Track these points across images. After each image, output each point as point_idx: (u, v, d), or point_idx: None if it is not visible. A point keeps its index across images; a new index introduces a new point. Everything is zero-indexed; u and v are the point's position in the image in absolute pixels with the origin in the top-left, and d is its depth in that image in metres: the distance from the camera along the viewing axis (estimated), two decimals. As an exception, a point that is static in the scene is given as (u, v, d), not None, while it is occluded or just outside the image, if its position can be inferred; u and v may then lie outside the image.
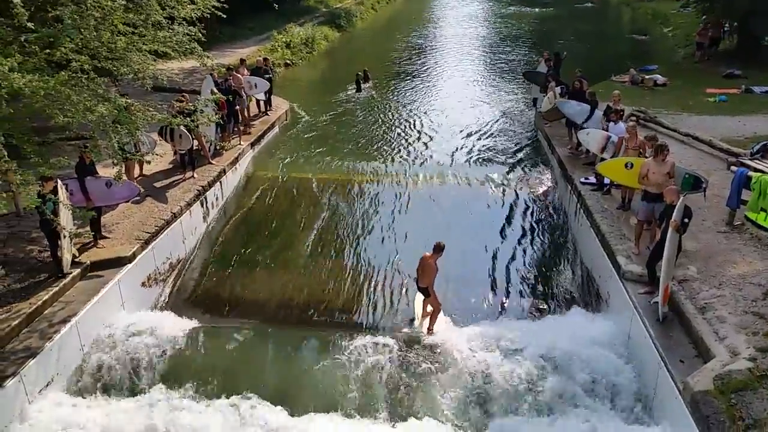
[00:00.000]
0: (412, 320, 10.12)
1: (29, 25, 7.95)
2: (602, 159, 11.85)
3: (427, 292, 9.51)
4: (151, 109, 9.56)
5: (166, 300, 10.80)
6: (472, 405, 8.22)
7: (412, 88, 24.01)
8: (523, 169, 15.42)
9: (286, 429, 7.87)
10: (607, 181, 11.78)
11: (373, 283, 11.23)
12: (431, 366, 8.57)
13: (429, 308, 9.78)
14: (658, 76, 20.99)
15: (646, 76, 20.95)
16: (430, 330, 9.49)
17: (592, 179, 12.28)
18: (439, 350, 8.80)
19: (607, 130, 12.37)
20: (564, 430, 7.72)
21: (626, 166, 10.67)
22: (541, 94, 17.72)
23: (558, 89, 15.59)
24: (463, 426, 8.07)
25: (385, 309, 10.60)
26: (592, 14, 44.63)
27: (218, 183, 13.47)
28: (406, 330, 9.81)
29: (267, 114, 18.17)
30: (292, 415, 8.11)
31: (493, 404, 8.21)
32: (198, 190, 12.52)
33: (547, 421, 7.93)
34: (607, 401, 8.09)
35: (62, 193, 9.22)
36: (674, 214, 8.13)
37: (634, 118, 15.80)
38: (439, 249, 9.32)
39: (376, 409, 8.25)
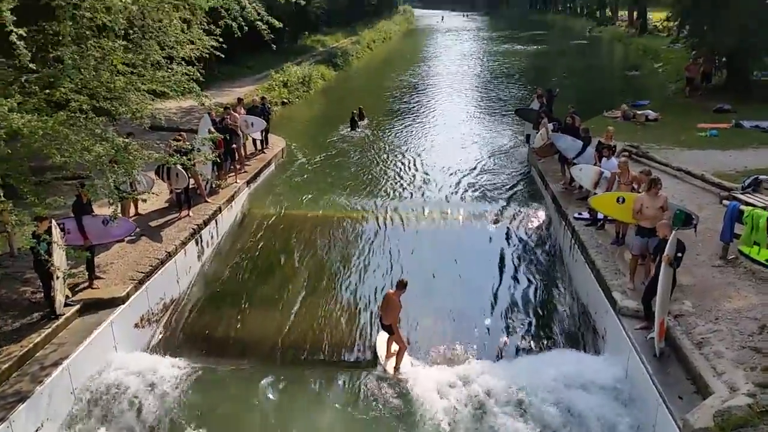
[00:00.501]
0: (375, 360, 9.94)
1: (31, 66, 8.06)
2: (595, 194, 11.95)
3: (391, 330, 9.47)
4: (148, 149, 9.62)
5: (159, 341, 10.68)
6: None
7: (406, 126, 24.30)
8: (517, 204, 15.52)
9: None
10: (600, 216, 11.84)
11: (368, 320, 11.14)
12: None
13: (393, 347, 9.70)
14: (650, 111, 21.31)
15: (638, 112, 21.25)
16: (396, 369, 9.41)
17: (586, 214, 12.34)
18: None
19: (599, 166, 12.49)
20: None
21: (618, 200, 10.76)
22: (534, 130, 17.94)
23: (550, 125, 15.78)
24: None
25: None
26: (584, 51, 45.53)
27: (214, 221, 13.49)
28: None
29: (263, 152, 18.32)
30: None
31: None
32: (193, 229, 12.53)
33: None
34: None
35: (56, 233, 9.22)
36: (667, 248, 8.17)
37: (626, 153, 16.00)
38: (402, 285, 9.38)
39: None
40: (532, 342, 10.50)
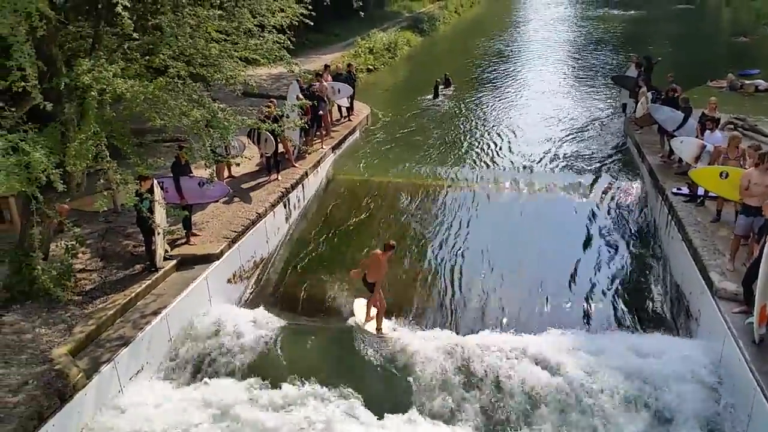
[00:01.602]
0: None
1: (133, 34, 8.46)
2: (695, 168, 11.26)
3: (372, 288, 9.58)
4: (241, 115, 9.93)
5: (250, 296, 11.21)
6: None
7: (494, 93, 23.70)
8: (610, 177, 14.82)
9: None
10: (701, 191, 11.19)
11: (448, 286, 11.20)
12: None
13: (373, 311, 9.83)
14: (761, 81, 19.76)
15: (747, 82, 19.76)
16: (378, 330, 9.61)
17: (685, 190, 11.69)
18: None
19: (702, 139, 11.75)
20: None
21: (721, 175, 10.13)
22: (630, 99, 17.10)
23: (649, 94, 14.96)
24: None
25: (458, 312, 10.66)
26: (688, 16, 42.51)
27: (300, 185, 13.84)
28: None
29: (349, 119, 18.48)
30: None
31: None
32: (281, 192, 12.91)
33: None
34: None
35: (158, 192, 9.77)
36: (773, 229, 7.63)
37: (731, 125, 14.98)
38: (389, 248, 9.65)
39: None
40: (619, 321, 10.18)
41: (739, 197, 9.35)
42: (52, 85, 8.42)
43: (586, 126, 18.86)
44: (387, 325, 9.88)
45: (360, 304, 10.24)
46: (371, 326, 9.82)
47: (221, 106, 9.68)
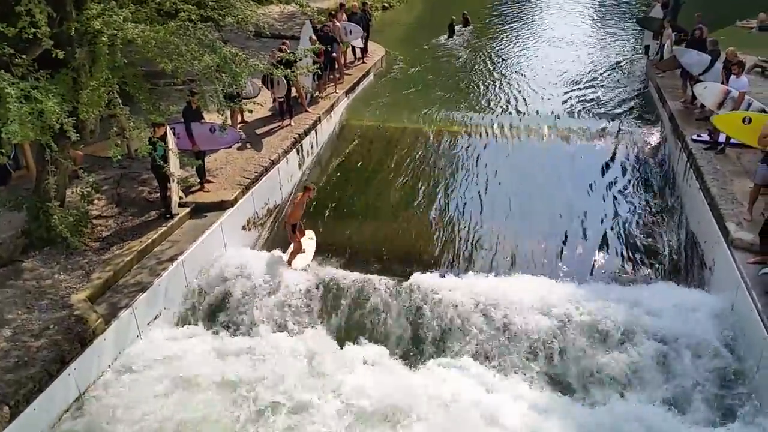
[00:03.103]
0: None
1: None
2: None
3: (294, 229, 10.00)
4: (253, 60, 9.72)
5: (264, 243, 11.31)
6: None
7: (512, 35, 23.00)
8: (630, 122, 14.50)
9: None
10: (722, 139, 10.92)
11: (464, 235, 11.21)
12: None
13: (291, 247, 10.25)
14: (794, 20, 18.91)
15: (780, 20, 18.92)
16: (288, 263, 9.95)
17: (705, 137, 11.43)
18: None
19: (726, 84, 11.37)
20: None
21: (744, 120, 9.91)
22: (654, 41, 16.51)
23: (673, 36, 14.42)
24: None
25: (470, 257, 10.75)
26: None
27: (314, 131, 13.72)
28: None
29: (363, 61, 18.11)
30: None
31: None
32: (294, 138, 12.82)
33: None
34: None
35: (171, 139, 9.74)
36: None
37: (759, 69, 14.46)
38: (306, 189, 10.22)
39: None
40: (631, 268, 10.18)
41: (759, 145, 9.11)
42: (62, 30, 8.30)
43: (607, 70, 18.34)
44: (300, 262, 10.13)
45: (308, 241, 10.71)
46: (297, 262, 10.09)
47: (233, 50, 9.50)
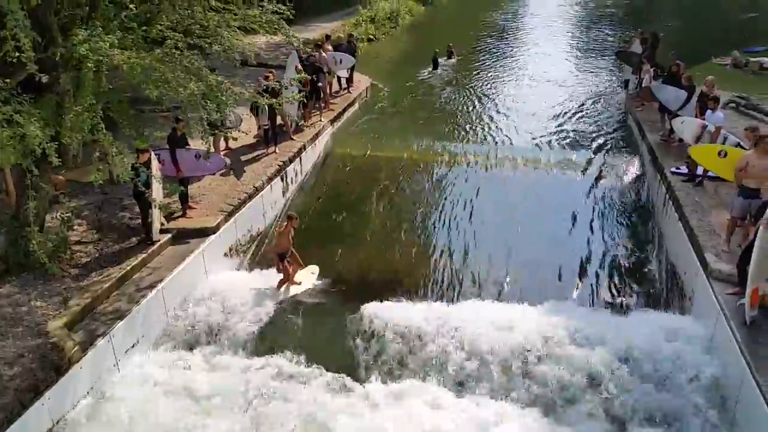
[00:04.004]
0: None
1: (131, 6, 8.31)
2: (696, 148, 11.20)
3: (283, 258, 10.04)
4: (239, 89, 9.79)
5: (246, 270, 11.19)
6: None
7: (495, 67, 23.46)
8: (609, 154, 14.79)
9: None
10: (699, 171, 11.15)
11: (446, 263, 11.23)
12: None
13: (298, 275, 10.36)
14: (765, 59, 19.49)
15: (752, 59, 19.52)
16: (277, 288, 10.02)
17: (684, 169, 11.65)
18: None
19: (702, 119, 11.65)
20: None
21: (719, 153, 10.14)
22: (633, 75, 16.92)
23: (651, 71, 14.79)
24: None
25: (459, 287, 10.70)
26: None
27: (298, 159, 13.77)
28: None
29: (348, 91, 18.30)
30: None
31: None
32: (279, 166, 12.85)
33: None
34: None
35: (155, 165, 9.71)
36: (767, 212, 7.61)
37: (733, 104, 14.86)
38: (288, 218, 10.26)
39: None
40: (613, 298, 10.24)
41: (735, 178, 9.31)
42: (47, 55, 8.30)
43: (588, 102, 18.75)
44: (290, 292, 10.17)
45: (303, 272, 10.61)
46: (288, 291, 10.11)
47: (218, 78, 9.56)
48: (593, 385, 8.05)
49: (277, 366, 8.62)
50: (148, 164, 9.52)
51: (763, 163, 8.90)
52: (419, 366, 8.58)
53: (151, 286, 9.14)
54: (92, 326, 8.23)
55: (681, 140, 12.45)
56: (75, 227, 10.06)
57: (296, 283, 10.28)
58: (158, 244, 9.88)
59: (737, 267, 8.35)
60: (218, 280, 10.22)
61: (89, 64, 8.18)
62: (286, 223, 10.21)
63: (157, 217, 9.94)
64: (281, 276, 10.15)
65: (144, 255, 9.59)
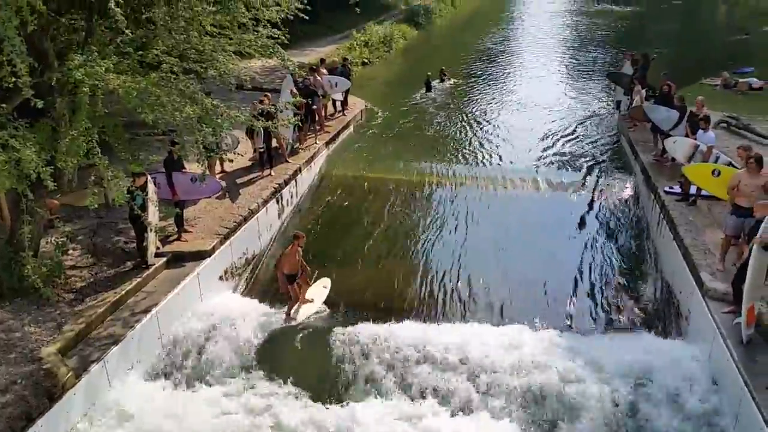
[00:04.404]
0: None
1: (127, 31, 8.37)
2: (689, 168, 11.29)
3: (291, 280, 9.92)
4: (234, 112, 9.83)
5: (242, 293, 11.15)
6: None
7: (488, 89, 23.70)
8: (603, 175, 14.90)
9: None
10: (693, 191, 11.23)
11: (441, 284, 11.23)
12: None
13: (309, 293, 10.28)
14: (754, 79, 19.79)
15: (740, 80, 19.77)
16: (287, 314, 9.86)
17: (677, 188, 11.73)
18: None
19: (694, 138, 11.77)
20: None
21: (713, 173, 10.24)
22: (625, 96, 17.10)
23: (643, 92, 14.97)
24: None
25: (452, 308, 10.69)
26: (682, 13, 42.45)
27: (294, 181, 13.80)
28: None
29: (343, 114, 18.42)
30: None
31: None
32: (275, 188, 12.87)
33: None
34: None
35: (151, 189, 9.72)
36: (761, 230, 7.65)
37: (724, 124, 15.01)
38: (294, 237, 10.12)
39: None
40: (608, 320, 10.23)
41: (727, 196, 9.38)
42: (43, 80, 8.34)
43: (580, 123, 18.91)
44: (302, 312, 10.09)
45: (315, 289, 10.55)
46: (300, 313, 10.02)
47: (214, 102, 9.62)
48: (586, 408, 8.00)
49: (268, 390, 8.55)
50: (144, 188, 9.53)
51: (754, 182, 8.98)
52: (407, 386, 8.51)
53: (146, 311, 9.08)
54: (86, 352, 8.16)
55: (674, 160, 12.55)
56: (70, 251, 10.01)
57: (308, 302, 10.19)
58: (153, 267, 9.84)
59: (732, 285, 8.38)
60: (213, 304, 10.15)
61: (85, 89, 8.20)
62: (292, 243, 10.07)
63: (152, 241, 9.91)
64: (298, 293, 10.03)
65: (139, 279, 9.54)
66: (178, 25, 9.64)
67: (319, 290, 10.59)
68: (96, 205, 8.71)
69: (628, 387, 8.12)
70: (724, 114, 15.38)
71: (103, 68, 8.37)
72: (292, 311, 10.00)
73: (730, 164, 10.89)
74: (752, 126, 14.76)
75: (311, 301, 10.26)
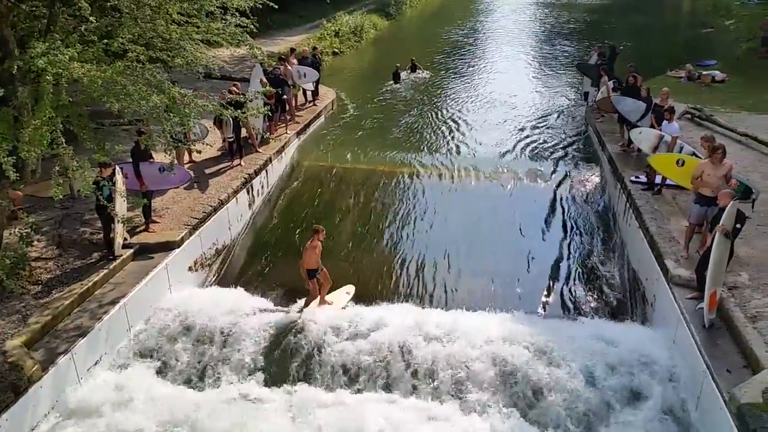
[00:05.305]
0: None
1: (91, 18, 8.18)
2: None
3: (313, 275, 9.68)
4: (202, 101, 9.69)
5: (211, 284, 11.06)
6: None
7: (458, 79, 23.80)
8: (570, 165, 15.15)
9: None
10: (658, 180, 11.48)
11: (413, 274, 11.31)
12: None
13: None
14: (717, 72, 20.22)
15: (704, 72, 20.20)
16: (301, 309, 9.69)
17: (643, 178, 11.97)
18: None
19: (659, 129, 12.01)
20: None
21: (677, 163, 10.47)
22: (593, 87, 17.32)
23: (610, 83, 15.20)
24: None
25: (415, 295, 10.81)
26: (649, 6, 43.05)
27: (264, 171, 13.69)
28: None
29: (314, 103, 18.32)
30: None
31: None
32: (245, 178, 12.75)
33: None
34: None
35: (119, 179, 9.55)
36: (723, 218, 7.88)
37: (688, 115, 15.34)
38: (316, 231, 9.70)
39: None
40: (576, 306, 10.43)
41: (690, 186, 9.62)
42: (3, 68, 8.11)
43: (549, 114, 19.14)
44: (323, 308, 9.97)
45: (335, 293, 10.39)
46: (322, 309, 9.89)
47: (181, 91, 9.47)
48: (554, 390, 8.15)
49: (237, 388, 8.50)
50: (111, 178, 9.36)
51: (717, 172, 9.22)
52: (376, 375, 8.58)
53: (114, 302, 8.96)
54: (53, 344, 8.01)
55: (640, 150, 12.79)
56: (34, 243, 9.79)
57: (327, 303, 9.98)
58: (121, 259, 9.69)
59: (696, 272, 8.60)
60: (182, 295, 10.04)
61: (48, 77, 8.01)
62: (312, 238, 9.73)
63: (120, 232, 9.76)
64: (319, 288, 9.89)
65: (106, 270, 9.40)
66: (144, 13, 9.48)
67: (341, 295, 10.40)
68: (61, 196, 8.51)
69: (594, 372, 8.28)
70: (688, 105, 15.71)
71: (67, 56, 8.19)
72: (310, 307, 9.75)
73: (693, 154, 11.16)
74: (715, 117, 15.10)
75: (330, 303, 10.02)
